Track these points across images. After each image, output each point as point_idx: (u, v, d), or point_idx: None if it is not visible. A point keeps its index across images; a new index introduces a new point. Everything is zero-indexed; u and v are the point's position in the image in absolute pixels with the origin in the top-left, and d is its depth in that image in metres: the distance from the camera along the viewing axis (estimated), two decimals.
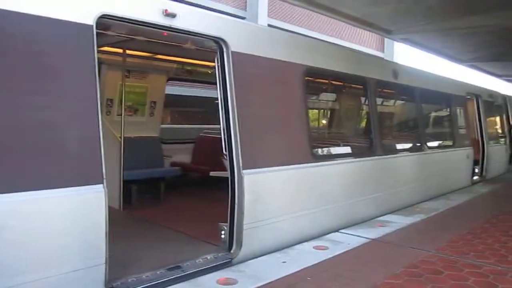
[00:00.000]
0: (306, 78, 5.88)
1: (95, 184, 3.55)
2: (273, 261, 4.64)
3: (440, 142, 10.20)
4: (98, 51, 3.79)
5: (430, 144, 9.10)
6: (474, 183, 10.94)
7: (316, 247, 5.12)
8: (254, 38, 5.29)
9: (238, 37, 4.94)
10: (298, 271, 4.34)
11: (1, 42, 3.16)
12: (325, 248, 5.09)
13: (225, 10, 15.50)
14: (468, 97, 11.33)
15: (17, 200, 3.13)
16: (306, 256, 4.81)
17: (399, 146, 8.37)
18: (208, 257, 4.59)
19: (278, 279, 4.13)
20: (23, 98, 3.26)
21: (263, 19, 17.24)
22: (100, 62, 4.56)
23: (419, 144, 8.64)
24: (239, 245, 4.72)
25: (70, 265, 3.40)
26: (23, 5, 3.26)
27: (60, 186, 3.36)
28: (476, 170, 11.42)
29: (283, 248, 5.06)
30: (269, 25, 15.77)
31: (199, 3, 14.24)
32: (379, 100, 7.90)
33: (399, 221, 6.58)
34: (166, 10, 4.21)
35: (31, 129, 3.29)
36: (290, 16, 19.11)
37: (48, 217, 3.32)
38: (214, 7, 14.74)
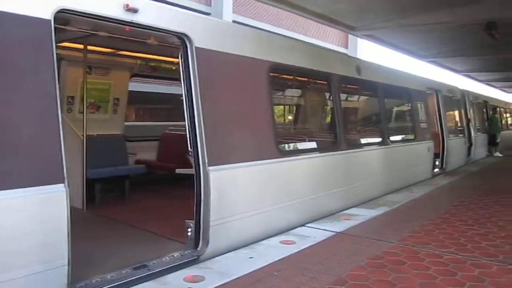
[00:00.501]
0: (271, 74, 5.89)
1: (56, 184, 3.45)
2: (240, 257, 4.65)
3: (402, 136, 10.47)
4: (58, 47, 3.68)
5: (392, 138, 9.32)
6: (434, 175, 11.29)
7: (283, 242, 5.16)
8: (218, 34, 5.26)
9: (202, 33, 4.90)
10: (265, 266, 4.36)
11: None
12: (292, 243, 5.14)
13: (189, 6, 15.32)
14: (428, 92, 11.65)
15: None
16: (273, 251, 4.84)
17: (363, 141, 8.54)
18: (175, 255, 4.55)
19: (245, 274, 4.14)
20: None
21: (228, 15, 17.17)
22: (60, 58, 4.42)
23: (382, 138, 8.83)
24: (206, 242, 4.70)
25: (30, 268, 3.29)
26: None
27: (18, 186, 3.24)
28: (437, 163, 11.78)
29: (250, 244, 5.07)
30: (234, 21, 15.71)
31: None
32: (343, 96, 8.02)
33: (364, 214, 6.72)
34: (127, 5, 4.12)
35: None
36: (256, 13, 19.12)
37: (5, 219, 3.20)
38: (179, 3, 14.54)
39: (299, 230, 5.73)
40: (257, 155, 5.45)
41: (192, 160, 4.71)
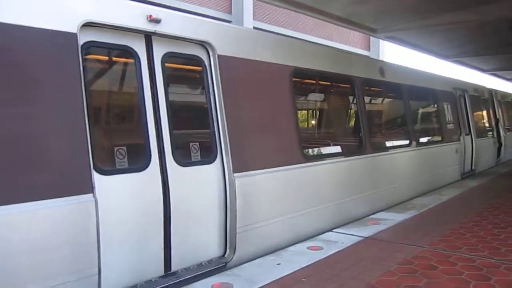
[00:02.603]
0: (294, 79, 5.88)
1: (85, 194, 3.51)
2: (267, 263, 4.62)
3: (429, 137, 10.28)
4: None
5: (419, 140, 9.16)
6: (463, 177, 11.03)
7: (310, 248, 5.12)
8: (240, 41, 5.28)
9: (224, 41, 4.93)
10: (292, 273, 4.33)
11: None
12: (319, 248, 5.09)
13: (210, 14, 15.47)
14: (455, 92, 11.43)
15: (2, 214, 3.08)
16: (300, 257, 4.80)
17: (388, 143, 8.41)
18: (202, 262, 4.56)
19: (273, 281, 4.12)
20: (8, 110, 3.22)
21: (249, 22, 17.24)
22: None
23: (408, 141, 8.69)
24: (233, 249, 4.70)
25: (63, 277, 3.35)
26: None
27: (48, 197, 3.31)
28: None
29: (277, 250, 5.04)
30: (255, 28, 15.77)
31: (185, 8, 14.25)
32: (367, 99, 7.94)
33: (392, 218, 6.60)
34: (150, 16, 4.19)
35: (15, 140, 3.25)
36: (276, 18, 19.15)
37: (38, 229, 3.27)
38: (200, 12, 14.72)
39: (326, 235, 5.68)
40: (281, 161, 5.43)
41: (216, 167, 4.73)
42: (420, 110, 10.62)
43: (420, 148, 9.01)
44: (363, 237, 5.59)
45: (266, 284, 4.05)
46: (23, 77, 3.34)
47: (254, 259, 4.76)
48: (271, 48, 5.69)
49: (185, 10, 13.69)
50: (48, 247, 3.31)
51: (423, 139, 9.72)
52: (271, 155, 5.34)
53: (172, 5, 13.48)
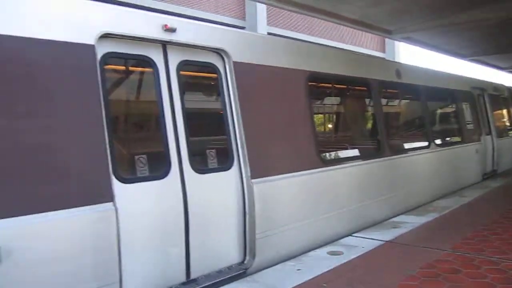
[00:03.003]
0: (310, 83, 5.87)
1: (105, 203, 3.56)
2: (287, 269, 4.61)
3: (449, 138, 10.13)
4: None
5: (438, 141, 9.04)
6: (485, 178, 10.82)
7: (330, 253, 5.08)
8: (255, 47, 5.30)
9: (239, 47, 4.96)
10: (313, 278, 4.30)
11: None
12: (340, 253, 5.05)
13: (224, 21, 15.57)
14: (473, 91, 11.25)
15: (26, 223, 3.14)
16: (321, 262, 4.77)
17: (407, 146, 8.31)
18: (222, 269, 4.56)
19: (294, 287, 4.10)
20: (31, 121, 3.30)
21: (263, 28, 17.29)
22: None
23: (427, 142, 8.58)
24: (252, 255, 4.70)
25: (83, 286, 3.40)
26: (18, 28, 3.29)
27: (69, 206, 3.36)
28: None
29: (296, 256, 5.02)
30: (269, 33, 15.81)
31: (200, 16, 14.37)
32: (384, 101, 7.87)
33: (413, 221, 6.52)
34: (166, 25, 4.24)
35: (39, 151, 3.32)
36: (290, 23, 19.16)
37: (59, 238, 3.33)
38: (214, 19, 14.82)
39: (346, 240, 5.63)
40: (299, 166, 5.42)
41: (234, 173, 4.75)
42: (439, 111, 10.48)
43: (439, 149, 8.89)
44: (383, 241, 5.52)
45: None
46: (45, 88, 3.41)
47: (274, 265, 4.75)
48: (286, 53, 5.70)
49: (200, 18, 13.83)
50: (70, 255, 3.36)
51: (443, 140, 9.59)
52: (288, 161, 5.34)
53: (187, 13, 13.64)
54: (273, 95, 5.35)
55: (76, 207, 3.39)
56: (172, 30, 4.29)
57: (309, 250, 5.20)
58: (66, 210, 3.34)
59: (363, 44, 23.81)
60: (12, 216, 3.08)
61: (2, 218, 3.04)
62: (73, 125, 3.53)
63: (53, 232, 3.29)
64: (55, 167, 3.39)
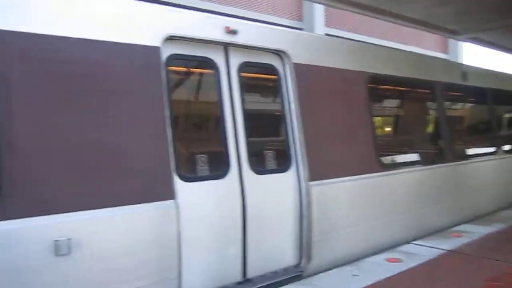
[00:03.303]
0: (370, 85, 5.75)
1: (167, 200, 3.67)
2: (344, 274, 4.54)
3: None
4: None
5: (506, 147, 8.55)
6: None
7: (389, 260, 4.95)
8: (314, 48, 5.27)
9: (299, 48, 4.95)
10: (370, 285, 4.22)
11: (68, 69, 3.36)
12: (398, 261, 4.91)
13: (281, 23, 15.58)
14: None
15: (95, 217, 3.30)
16: (378, 269, 4.66)
17: (472, 151, 7.92)
18: (277, 270, 4.57)
19: None
20: (102, 121, 3.47)
21: (320, 29, 17.13)
22: None
23: (494, 148, 8.14)
24: (309, 258, 4.67)
25: (147, 280, 3.52)
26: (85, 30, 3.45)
27: (133, 202, 3.50)
28: None
29: (353, 261, 4.94)
30: (327, 34, 15.64)
31: (257, 18, 14.48)
32: (448, 104, 7.56)
33: (476, 230, 6.21)
34: (228, 28, 4.31)
35: (111, 150, 3.48)
36: (348, 24, 18.86)
37: (123, 232, 3.47)
38: (271, 21, 14.88)
39: (405, 247, 5.47)
40: (357, 169, 5.32)
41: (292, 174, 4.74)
42: (507, 116, 9.91)
43: (507, 156, 8.40)
44: (445, 250, 5.31)
45: None
46: (114, 89, 3.57)
47: (330, 269, 4.69)
48: (345, 55, 5.62)
49: (257, 19, 13.93)
50: (134, 249, 3.50)
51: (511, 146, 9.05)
52: (346, 164, 5.26)
53: (247, 16, 13.79)
54: (332, 97, 5.29)
55: (141, 203, 3.53)
56: (234, 32, 4.35)
57: (366, 256, 5.10)
58: (132, 206, 3.48)
59: (424, 45, 22.97)
60: (83, 210, 3.25)
61: (74, 211, 3.21)
62: (140, 125, 3.67)
63: (119, 227, 3.44)
64: (124, 165, 3.54)
